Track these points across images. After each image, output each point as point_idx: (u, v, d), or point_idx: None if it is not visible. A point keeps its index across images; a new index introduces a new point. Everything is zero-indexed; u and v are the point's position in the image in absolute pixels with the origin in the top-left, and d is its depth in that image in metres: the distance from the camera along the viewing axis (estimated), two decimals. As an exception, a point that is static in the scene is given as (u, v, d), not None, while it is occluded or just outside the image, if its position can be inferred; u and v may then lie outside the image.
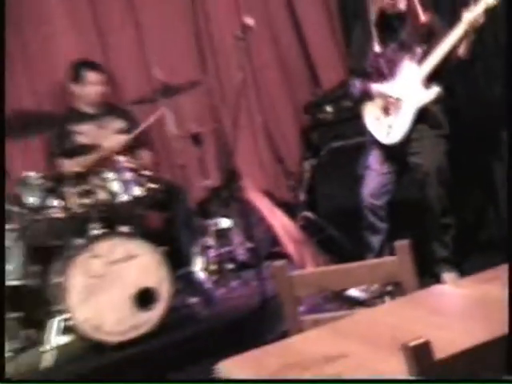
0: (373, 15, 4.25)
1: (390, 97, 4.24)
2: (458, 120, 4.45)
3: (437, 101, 4.21)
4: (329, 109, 5.23)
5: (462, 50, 4.09)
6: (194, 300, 4.30)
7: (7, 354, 4.09)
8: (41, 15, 5.23)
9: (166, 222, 4.84)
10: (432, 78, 4.16)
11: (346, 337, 2.08)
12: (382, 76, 4.29)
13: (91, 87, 4.95)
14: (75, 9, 5.34)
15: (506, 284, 2.11)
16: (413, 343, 1.51)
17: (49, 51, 5.26)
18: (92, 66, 5.00)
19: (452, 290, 2.59)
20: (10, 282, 4.35)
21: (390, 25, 4.25)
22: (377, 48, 4.24)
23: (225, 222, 4.81)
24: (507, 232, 3.28)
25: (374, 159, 4.37)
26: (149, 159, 4.78)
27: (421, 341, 1.52)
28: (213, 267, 4.73)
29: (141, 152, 4.82)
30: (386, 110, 4.28)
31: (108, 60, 5.38)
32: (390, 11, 4.22)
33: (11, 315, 4.39)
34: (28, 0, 5.21)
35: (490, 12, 3.97)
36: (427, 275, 3.74)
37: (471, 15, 3.98)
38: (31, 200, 4.18)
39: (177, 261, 4.54)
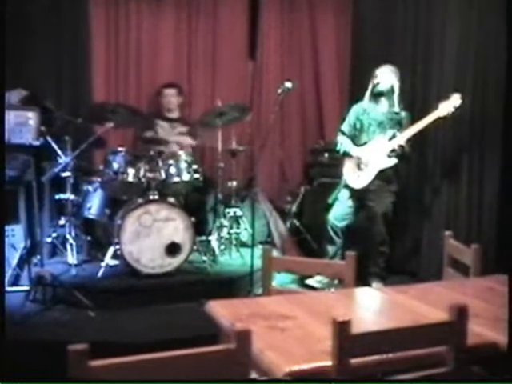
0: (368, 93, 4.24)
1: (363, 158, 4.23)
2: (404, 183, 4.48)
3: (392, 168, 4.21)
4: (326, 155, 5.21)
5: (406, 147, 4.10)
6: (205, 258, 4.29)
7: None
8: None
9: (199, 202, 4.83)
10: (393, 152, 4.15)
11: (297, 305, 2.10)
12: (363, 143, 4.28)
13: (167, 99, 5.00)
14: (178, 42, 5.32)
15: (414, 296, 2.15)
16: (340, 319, 1.53)
17: (155, 69, 5.27)
18: (172, 85, 5.03)
19: (376, 292, 2.60)
20: (88, 215, 4.36)
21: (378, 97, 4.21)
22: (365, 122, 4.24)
23: (238, 212, 4.79)
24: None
25: (342, 195, 4.36)
26: (198, 157, 4.76)
27: (346, 318, 1.53)
28: (223, 240, 4.70)
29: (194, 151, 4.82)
30: (358, 166, 4.26)
31: (190, 83, 5.36)
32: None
33: (86, 238, 4.38)
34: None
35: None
36: (362, 281, 3.70)
37: (445, 108, 3.94)
38: (115, 165, 4.17)
39: (200, 230, 4.52)
